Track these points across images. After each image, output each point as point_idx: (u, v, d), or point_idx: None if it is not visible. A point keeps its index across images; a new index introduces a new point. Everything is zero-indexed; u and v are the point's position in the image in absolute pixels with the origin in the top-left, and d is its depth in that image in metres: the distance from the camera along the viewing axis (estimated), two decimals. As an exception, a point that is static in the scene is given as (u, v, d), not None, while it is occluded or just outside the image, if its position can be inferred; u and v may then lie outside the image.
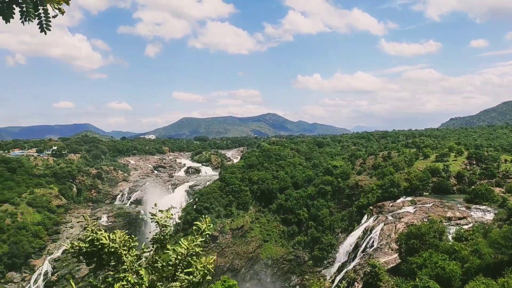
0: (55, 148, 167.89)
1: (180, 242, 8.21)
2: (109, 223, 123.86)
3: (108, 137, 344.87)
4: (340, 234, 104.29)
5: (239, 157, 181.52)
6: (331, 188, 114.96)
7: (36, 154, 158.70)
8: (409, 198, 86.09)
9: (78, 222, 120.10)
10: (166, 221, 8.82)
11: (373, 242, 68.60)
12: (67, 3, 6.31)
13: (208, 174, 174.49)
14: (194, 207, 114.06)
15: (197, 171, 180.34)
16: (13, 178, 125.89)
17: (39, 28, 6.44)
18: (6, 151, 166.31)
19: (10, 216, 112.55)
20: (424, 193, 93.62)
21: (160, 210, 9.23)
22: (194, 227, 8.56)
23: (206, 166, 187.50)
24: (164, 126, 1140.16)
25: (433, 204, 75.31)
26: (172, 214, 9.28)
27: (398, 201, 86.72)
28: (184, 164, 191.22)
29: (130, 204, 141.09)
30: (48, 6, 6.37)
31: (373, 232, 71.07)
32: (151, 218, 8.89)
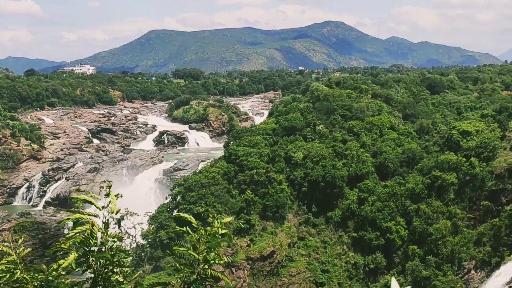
0: None
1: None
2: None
3: (0, 70, 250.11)
4: (473, 271, 64.78)
5: (265, 112, 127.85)
6: (456, 178, 69.03)
7: None
8: None
9: None
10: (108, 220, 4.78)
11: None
12: None
13: (203, 146, 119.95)
14: (174, 213, 68.29)
15: (181, 139, 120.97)
16: None
17: None
18: None
19: None
20: None
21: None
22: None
23: (198, 129, 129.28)
24: (113, 47, 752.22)
25: None
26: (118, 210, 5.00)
27: None
28: (154, 126, 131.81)
29: (44, 207, 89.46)
30: None
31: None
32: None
